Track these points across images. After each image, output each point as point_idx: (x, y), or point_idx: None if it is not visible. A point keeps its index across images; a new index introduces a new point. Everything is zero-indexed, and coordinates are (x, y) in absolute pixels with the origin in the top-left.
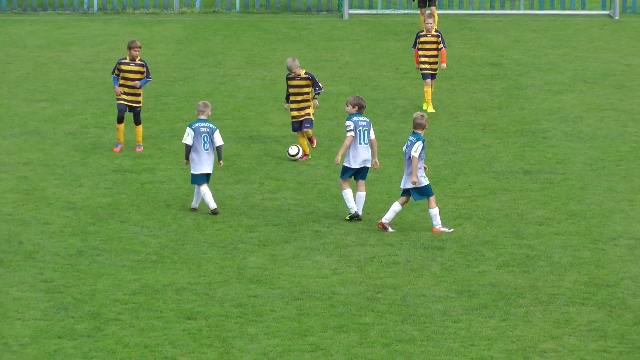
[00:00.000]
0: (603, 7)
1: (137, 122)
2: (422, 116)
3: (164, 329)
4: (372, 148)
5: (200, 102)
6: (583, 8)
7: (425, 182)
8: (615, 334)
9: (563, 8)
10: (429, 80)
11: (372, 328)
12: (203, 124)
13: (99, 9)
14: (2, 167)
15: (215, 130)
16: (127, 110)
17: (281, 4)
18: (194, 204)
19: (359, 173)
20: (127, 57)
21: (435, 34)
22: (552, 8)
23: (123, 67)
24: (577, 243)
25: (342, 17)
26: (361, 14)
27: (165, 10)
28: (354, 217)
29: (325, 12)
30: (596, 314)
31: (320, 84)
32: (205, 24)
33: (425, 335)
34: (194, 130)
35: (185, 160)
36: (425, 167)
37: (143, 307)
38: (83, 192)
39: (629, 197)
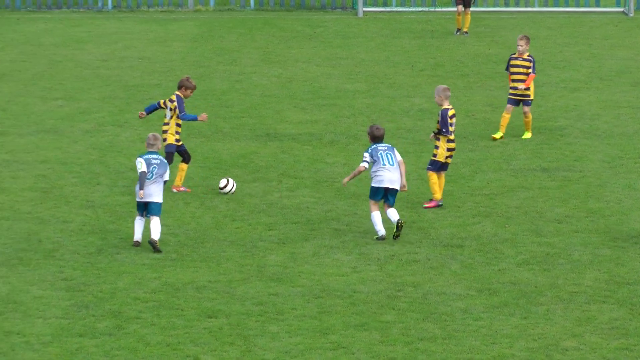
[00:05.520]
0: (617, 5)
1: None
2: None
3: (185, 327)
4: (400, 169)
5: (150, 135)
6: (598, 5)
7: None
8: (637, 332)
9: (578, 5)
10: (509, 107)
11: (393, 326)
12: (154, 156)
13: (114, 7)
14: (20, 166)
15: (166, 165)
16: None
17: (296, 1)
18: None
19: (386, 196)
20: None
21: (527, 58)
22: (567, 5)
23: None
24: (597, 241)
25: (356, 14)
26: (376, 12)
27: (179, 8)
28: (380, 239)
29: (339, 10)
30: (617, 312)
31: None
32: (220, 22)
33: (447, 333)
34: (145, 161)
35: (141, 191)
36: None
37: (164, 305)
38: (101, 190)
39: None
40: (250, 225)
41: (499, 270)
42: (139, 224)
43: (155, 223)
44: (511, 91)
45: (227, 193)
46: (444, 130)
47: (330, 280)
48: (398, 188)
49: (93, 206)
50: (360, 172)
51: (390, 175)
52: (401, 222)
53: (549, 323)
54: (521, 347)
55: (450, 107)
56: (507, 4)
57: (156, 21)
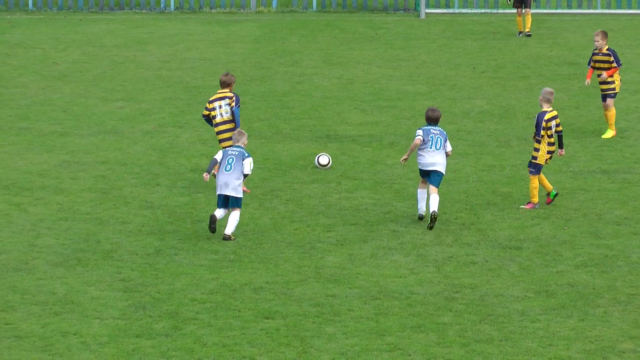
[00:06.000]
0: None
1: None
2: None
3: (242, 328)
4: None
5: (236, 131)
6: None
7: None
8: None
9: None
10: (607, 101)
11: (450, 328)
12: (234, 148)
13: (176, 8)
14: (80, 166)
15: (246, 157)
16: None
17: (358, 3)
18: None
19: (429, 176)
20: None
21: (607, 52)
22: (630, 7)
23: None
24: None
25: (419, 16)
26: (438, 13)
27: (242, 10)
28: (420, 219)
29: (402, 12)
30: None
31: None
32: (282, 23)
33: (504, 335)
34: (223, 152)
35: (205, 174)
36: None
37: (221, 306)
38: (160, 191)
39: None
40: (309, 227)
41: (557, 272)
42: (219, 211)
43: (234, 216)
44: (601, 86)
45: (325, 166)
46: (535, 133)
47: (387, 282)
48: (440, 170)
49: (152, 207)
50: (416, 146)
51: (432, 159)
52: (435, 214)
53: (606, 325)
54: (578, 349)
55: (548, 110)
56: (569, 6)
57: (218, 22)
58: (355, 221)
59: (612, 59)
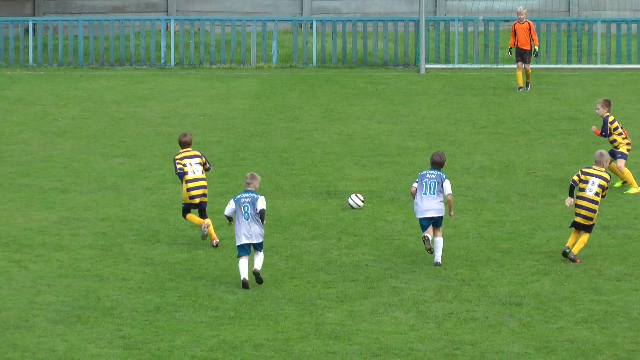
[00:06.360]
0: None
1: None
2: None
3: None
4: (447, 200)
5: (248, 174)
6: None
7: None
8: None
9: None
10: (618, 162)
11: None
12: (245, 195)
13: (176, 64)
14: (80, 223)
15: (257, 198)
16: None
17: (358, 58)
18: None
19: (427, 225)
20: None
21: (604, 120)
22: (629, 62)
23: None
24: None
25: (418, 71)
26: (438, 69)
27: (242, 65)
28: (427, 246)
29: (401, 67)
30: None
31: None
32: (282, 79)
33: None
34: (235, 201)
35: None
36: None
37: None
38: (161, 248)
39: None
40: (309, 283)
41: (557, 328)
42: (243, 263)
43: (260, 257)
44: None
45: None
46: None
47: (387, 339)
48: (434, 215)
49: (152, 264)
50: (412, 194)
51: (426, 204)
52: (438, 264)
53: None
54: None
55: (590, 167)
56: (569, 61)
57: (218, 78)
58: (355, 277)
59: (602, 126)
